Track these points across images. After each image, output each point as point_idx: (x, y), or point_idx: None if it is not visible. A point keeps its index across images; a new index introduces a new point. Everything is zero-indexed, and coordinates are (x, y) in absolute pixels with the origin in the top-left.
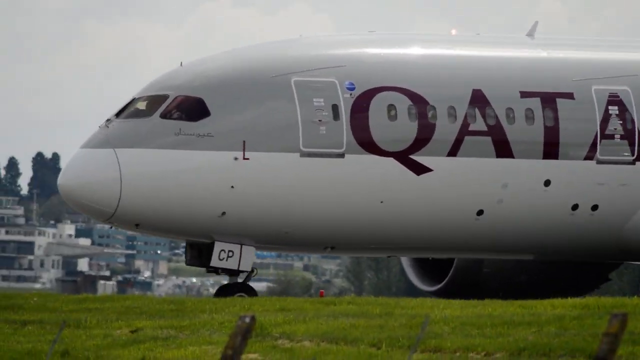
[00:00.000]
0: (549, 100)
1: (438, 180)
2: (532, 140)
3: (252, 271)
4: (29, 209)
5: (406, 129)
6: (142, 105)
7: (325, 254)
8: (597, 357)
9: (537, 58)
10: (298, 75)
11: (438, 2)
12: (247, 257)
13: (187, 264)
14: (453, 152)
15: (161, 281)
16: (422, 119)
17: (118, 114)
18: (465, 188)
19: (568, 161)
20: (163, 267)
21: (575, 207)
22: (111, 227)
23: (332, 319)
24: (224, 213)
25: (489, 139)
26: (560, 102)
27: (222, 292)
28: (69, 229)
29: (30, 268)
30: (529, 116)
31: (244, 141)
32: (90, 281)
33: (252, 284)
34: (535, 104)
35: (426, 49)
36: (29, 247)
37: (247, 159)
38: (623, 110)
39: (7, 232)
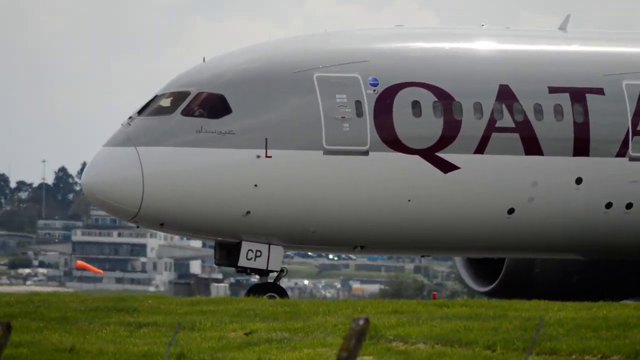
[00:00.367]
0: (578, 96)
1: (466, 178)
2: (561, 137)
3: (282, 271)
4: None
5: (431, 126)
6: (163, 102)
7: (355, 253)
8: None
9: (567, 52)
10: (320, 71)
11: None
12: (276, 257)
13: (216, 263)
14: (480, 150)
15: None
16: (448, 116)
17: (140, 112)
18: (495, 186)
19: (599, 158)
20: None
21: (609, 205)
22: (137, 227)
23: (445, 322)
24: (248, 212)
25: (516, 135)
26: (590, 97)
27: (253, 292)
28: None
29: (143, 270)
30: (558, 112)
31: (266, 139)
32: (203, 283)
33: (365, 286)
34: (565, 99)
35: (452, 44)
36: (141, 249)
37: (270, 157)
38: None
39: (119, 235)
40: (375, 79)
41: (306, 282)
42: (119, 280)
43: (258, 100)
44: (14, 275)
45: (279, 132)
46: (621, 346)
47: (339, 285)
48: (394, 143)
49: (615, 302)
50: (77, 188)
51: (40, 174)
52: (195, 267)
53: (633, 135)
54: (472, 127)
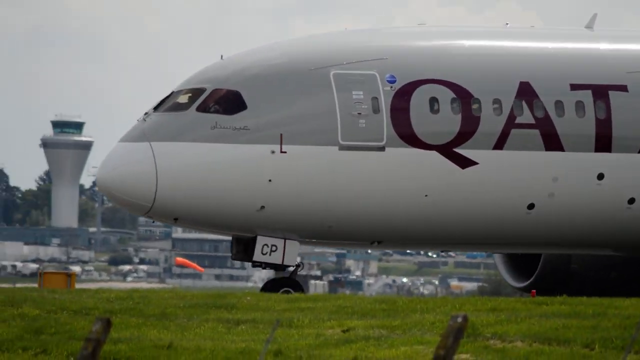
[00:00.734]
0: (600, 92)
1: (485, 173)
2: (583, 133)
3: (299, 266)
4: None
5: (449, 122)
6: (179, 99)
7: (373, 248)
8: None
9: (590, 50)
10: (337, 68)
11: None
12: (291, 252)
13: (233, 258)
14: (499, 145)
15: (371, 280)
16: (466, 112)
17: (156, 108)
18: (514, 181)
19: (621, 154)
20: (373, 267)
21: (631, 200)
22: (153, 222)
23: (544, 320)
24: (262, 207)
25: (536, 131)
26: (612, 94)
27: (269, 287)
28: None
29: (242, 267)
30: (580, 109)
31: (281, 134)
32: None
33: (463, 283)
34: (587, 96)
35: (472, 42)
36: None
37: (285, 152)
38: None
39: None
40: (392, 76)
41: (404, 279)
42: (217, 277)
43: (273, 96)
44: (114, 272)
45: (294, 127)
46: None
47: (437, 283)
48: (411, 139)
49: None
50: None
51: None
52: None
53: None
54: (490, 123)
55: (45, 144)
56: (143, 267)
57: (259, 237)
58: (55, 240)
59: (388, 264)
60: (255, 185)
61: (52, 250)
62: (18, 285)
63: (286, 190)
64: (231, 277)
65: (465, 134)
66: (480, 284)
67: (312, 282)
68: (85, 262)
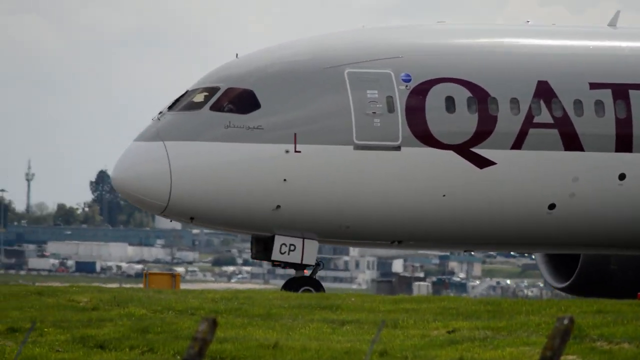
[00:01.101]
0: (620, 92)
1: (503, 173)
2: (603, 133)
3: (318, 265)
4: None
5: (466, 121)
6: (194, 98)
7: (393, 248)
8: None
9: (610, 48)
10: (352, 67)
11: None
12: (310, 251)
13: (253, 257)
14: (517, 145)
15: (476, 282)
16: (483, 111)
17: (170, 107)
18: (534, 181)
19: None
20: (477, 269)
21: None
22: (171, 221)
23: None
24: (278, 206)
25: (555, 131)
26: (633, 93)
27: (289, 286)
28: None
29: (346, 269)
30: (599, 108)
31: (295, 134)
32: (405, 282)
33: None
34: (606, 95)
35: (490, 40)
36: (344, 247)
37: (299, 151)
38: None
39: None
40: (408, 75)
41: (508, 281)
42: (322, 278)
43: (288, 95)
44: (218, 273)
45: (308, 127)
46: None
47: (541, 285)
48: (427, 138)
49: None
50: None
51: None
52: (397, 266)
53: None
54: (508, 123)
55: None
56: (247, 268)
57: (277, 237)
58: (160, 242)
59: (492, 266)
60: (270, 184)
61: (157, 252)
62: (123, 285)
63: (301, 190)
64: (335, 279)
65: (482, 134)
66: None
67: (416, 283)
68: (189, 263)
